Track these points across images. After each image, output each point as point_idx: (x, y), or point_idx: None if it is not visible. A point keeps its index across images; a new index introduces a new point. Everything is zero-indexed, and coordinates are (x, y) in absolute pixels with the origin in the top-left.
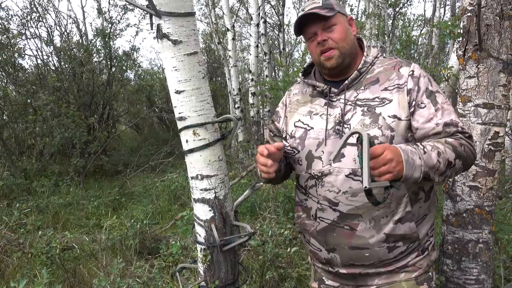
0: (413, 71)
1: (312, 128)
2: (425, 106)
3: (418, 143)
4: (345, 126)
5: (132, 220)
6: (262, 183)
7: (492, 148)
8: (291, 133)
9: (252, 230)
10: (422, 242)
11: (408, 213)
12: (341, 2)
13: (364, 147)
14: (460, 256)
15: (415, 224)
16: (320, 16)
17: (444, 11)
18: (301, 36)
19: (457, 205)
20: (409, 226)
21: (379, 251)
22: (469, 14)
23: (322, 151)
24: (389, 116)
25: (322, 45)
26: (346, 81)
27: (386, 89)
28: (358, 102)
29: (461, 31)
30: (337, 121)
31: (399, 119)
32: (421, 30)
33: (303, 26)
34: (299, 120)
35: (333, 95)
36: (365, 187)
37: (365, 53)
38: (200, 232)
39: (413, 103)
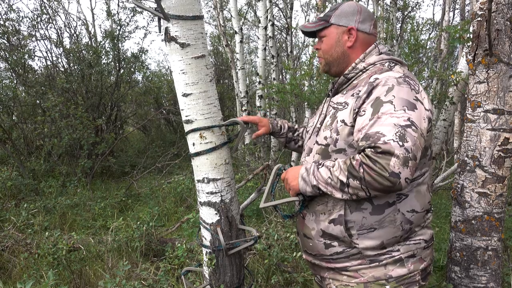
0: (376, 78)
1: (314, 125)
2: (364, 114)
3: (320, 162)
4: (322, 125)
5: (138, 222)
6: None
7: (502, 155)
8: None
9: (258, 234)
10: (366, 252)
11: (341, 216)
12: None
13: (270, 178)
14: (468, 263)
15: (356, 232)
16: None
17: (453, 15)
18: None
19: (465, 211)
20: (340, 229)
21: (318, 245)
22: (479, 18)
23: (307, 144)
24: (340, 120)
25: (317, 52)
26: (335, 86)
27: (353, 94)
28: (334, 106)
29: (471, 35)
30: (321, 120)
31: (346, 124)
32: (430, 34)
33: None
34: (315, 118)
35: (331, 96)
36: (260, 207)
37: (357, 60)
38: (206, 236)
39: (357, 110)
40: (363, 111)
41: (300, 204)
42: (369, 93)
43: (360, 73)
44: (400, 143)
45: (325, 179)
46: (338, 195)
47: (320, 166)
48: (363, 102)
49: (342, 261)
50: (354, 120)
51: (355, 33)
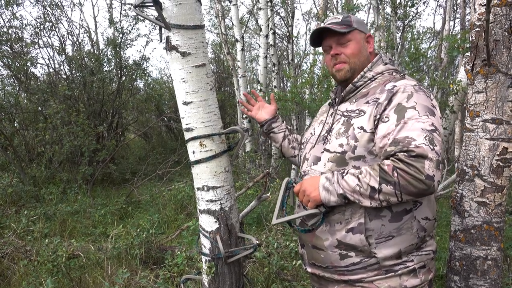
0: (394, 86)
1: (314, 134)
2: (388, 120)
3: (344, 169)
4: (330, 134)
5: (138, 229)
6: (268, 194)
7: (501, 164)
8: (306, 138)
9: (257, 242)
10: (384, 262)
11: (361, 225)
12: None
13: (280, 193)
14: (468, 272)
15: (374, 241)
16: (335, 31)
17: (454, 24)
18: (313, 47)
19: (465, 221)
20: (359, 238)
21: (332, 256)
22: (477, 29)
23: (310, 153)
24: (358, 127)
25: (335, 59)
26: (342, 93)
27: (367, 102)
28: (345, 113)
29: (470, 45)
30: (328, 129)
31: (365, 130)
32: (430, 43)
33: (321, 39)
34: (314, 127)
35: (335, 105)
36: (272, 224)
37: (366, 68)
38: (205, 243)
39: (378, 116)
40: (386, 117)
41: (322, 216)
42: (389, 100)
43: (369, 81)
44: (431, 146)
45: (353, 187)
46: (366, 202)
47: (344, 174)
48: (384, 109)
49: (358, 273)
50: (375, 126)
51: (372, 40)
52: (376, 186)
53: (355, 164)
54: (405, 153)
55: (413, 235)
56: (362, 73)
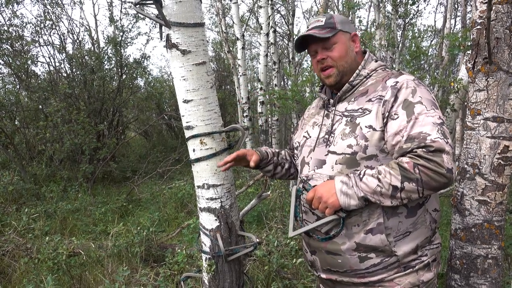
0: (397, 82)
1: (310, 137)
2: (398, 117)
3: (359, 170)
4: (331, 135)
5: (139, 227)
6: (269, 193)
7: (502, 162)
8: (299, 143)
9: (257, 240)
10: (403, 260)
11: (380, 224)
12: (350, 13)
13: (292, 202)
14: (468, 271)
15: (393, 239)
16: (317, 37)
17: (455, 22)
18: (298, 53)
19: (465, 219)
20: (380, 238)
21: (351, 259)
22: (478, 27)
23: (311, 157)
24: (365, 126)
25: (321, 63)
26: (338, 94)
27: (370, 100)
28: (345, 113)
29: (471, 43)
30: (327, 130)
31: (374, 129)
32: (431, 41)
33: (305, 44)
34: (307, 131)
35: (330, 106)
36: (290, 237)
37: (360, 67)
38: (206, 241)
39: (387, 114)
40: (395, 114)
41: (342, 222)
42: (395, 97)
43: (364, 79)
44: (445, 140)
45: (373, 188)
46: (387, 202)
47: (362, 176)
48: (392, 106)
49: (378, 273)
50: (385, 124)
51: (357, 39)
52: (399, 185)
53: (367, 164)
54: (423, 149)
55: (427, 228)
56: (357, 71)
